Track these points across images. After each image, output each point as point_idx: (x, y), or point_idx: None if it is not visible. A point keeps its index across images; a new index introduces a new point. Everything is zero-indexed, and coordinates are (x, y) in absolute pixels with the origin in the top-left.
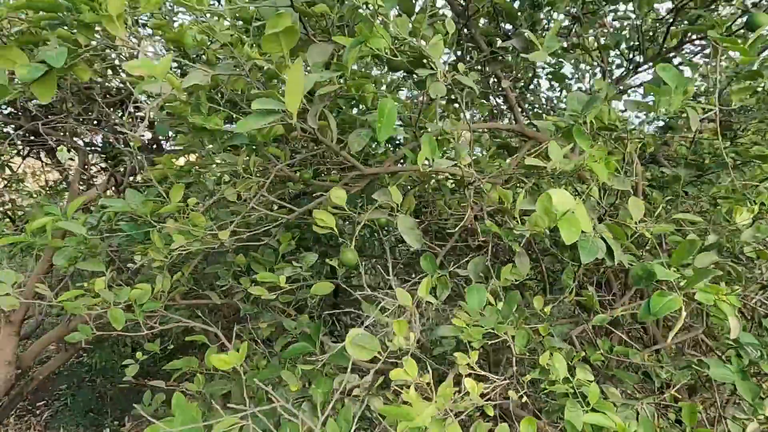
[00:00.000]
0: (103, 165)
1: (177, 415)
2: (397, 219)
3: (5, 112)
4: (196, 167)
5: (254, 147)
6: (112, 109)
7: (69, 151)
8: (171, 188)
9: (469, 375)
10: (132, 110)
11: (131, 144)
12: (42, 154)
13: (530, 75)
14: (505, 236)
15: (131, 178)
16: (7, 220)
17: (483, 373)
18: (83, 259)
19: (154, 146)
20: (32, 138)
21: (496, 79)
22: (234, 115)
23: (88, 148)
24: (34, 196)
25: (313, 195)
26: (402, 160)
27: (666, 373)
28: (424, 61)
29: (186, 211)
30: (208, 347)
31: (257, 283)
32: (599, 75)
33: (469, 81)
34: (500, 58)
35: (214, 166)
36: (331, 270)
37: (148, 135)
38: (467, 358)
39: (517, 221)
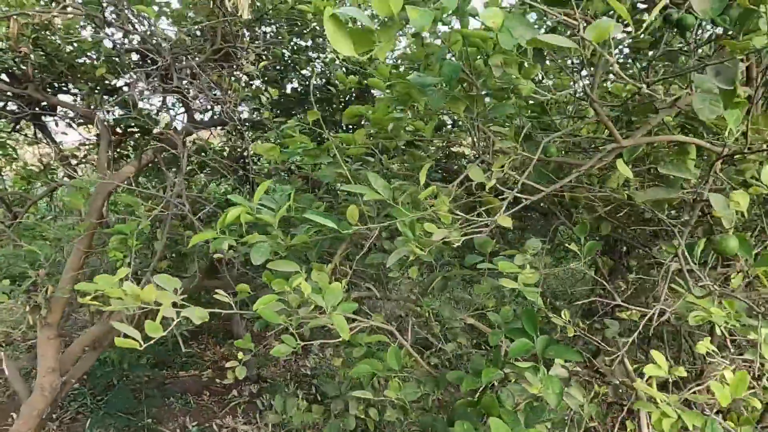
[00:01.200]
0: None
1: None
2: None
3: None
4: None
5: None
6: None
7: (69, 125)
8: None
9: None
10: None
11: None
12: (34, 130)
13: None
14: None
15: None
16: None
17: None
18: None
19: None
20: (36, 111)
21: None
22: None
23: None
24: (24, 176)
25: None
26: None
27: None
28: None
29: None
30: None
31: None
32: None
33: None
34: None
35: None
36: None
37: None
38: (707, 346)
39: None
